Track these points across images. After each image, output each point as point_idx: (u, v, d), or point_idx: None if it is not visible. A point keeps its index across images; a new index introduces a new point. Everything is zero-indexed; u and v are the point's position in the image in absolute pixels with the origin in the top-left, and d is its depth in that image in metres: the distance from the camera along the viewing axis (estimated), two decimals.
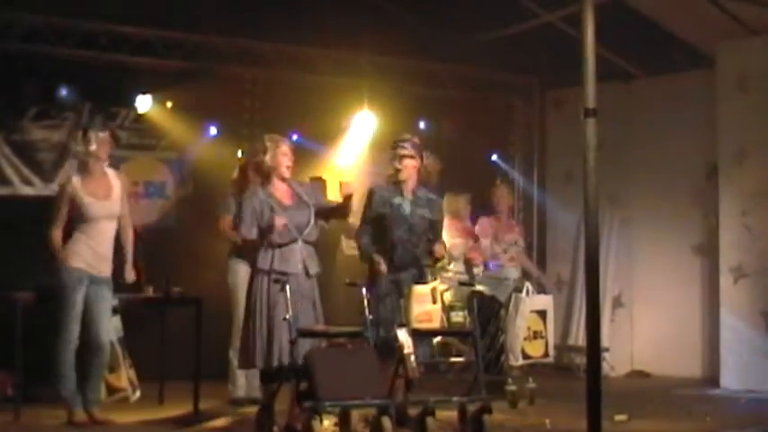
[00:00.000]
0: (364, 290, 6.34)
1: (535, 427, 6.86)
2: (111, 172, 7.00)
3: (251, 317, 6.27)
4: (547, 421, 6.95)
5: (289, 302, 6.02)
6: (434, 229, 6.83)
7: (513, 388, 7.80)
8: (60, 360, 6.69)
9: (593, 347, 5.01)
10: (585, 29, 5.03)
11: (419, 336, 6.31)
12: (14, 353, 6.90)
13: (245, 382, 7.81)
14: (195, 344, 7.43)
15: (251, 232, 6.28)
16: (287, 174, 6.42)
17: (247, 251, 7.67)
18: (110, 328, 7.06)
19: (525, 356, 8.01)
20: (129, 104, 9.32)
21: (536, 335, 8.10)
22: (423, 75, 10.70)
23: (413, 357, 6.07)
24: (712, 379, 9.58)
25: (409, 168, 6.74)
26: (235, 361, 7.78)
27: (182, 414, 7.25)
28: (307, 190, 6.55)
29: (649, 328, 10.49)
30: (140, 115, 9.39)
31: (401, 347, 6.09)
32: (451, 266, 8.67)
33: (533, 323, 8.11)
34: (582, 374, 9.27)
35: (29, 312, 6.94)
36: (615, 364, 10.39)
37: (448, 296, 6.93)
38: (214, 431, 6.77)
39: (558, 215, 9.80)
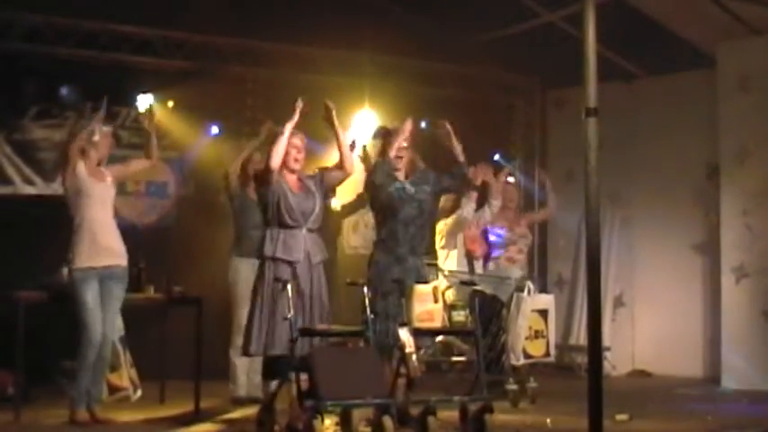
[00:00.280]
0: (365, 288, 6.36)
1: (536, 426, 6.85)
2: (105, 169, 7.03)
3: (255, 305, 6.32)
4: (548, 421, 6.95)
5: (290, 301, 6.02)
6: (444, 184, 6.96)
7: (514, 387, 7.80)
8: (82, 360, 6.70)
9: (595, 347, 5.00)
10: (587, 28, 5.02)
11: (420, 335, 6.33)
12: (15, 352, 6.91)
13: (245, 381, 7.82)
14: (196, 343, 7.43)
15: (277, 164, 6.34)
16: (295, 166, 6.47)
17: (248, 242, 7.70)
18: (116, 326, 7.07)
19: (527, 356, 8.00)
20: (130, 104, 9.33)
21: (537, 334, 8.10)
22: (424, 74, 10.71)
23: (414, 357, 6.08)
24: (713, 378, 9.59)
25: (407, 157, 6.90)
26: (235, 360, 7.81)
27: (183, 413, 7.25)
28: (315, 180, 6.58)
29: (651, 327, 10.50)
30: (141, 114, 9.40)
31: (402, 347, 6.09)
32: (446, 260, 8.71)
33: (535, 322, 8.10)
34: (583, 374, 9.29)
35: (30, 312, 6.94)
36: (616, 363, 10.40)
37: (449, 295, 6.94)
38: (215, 431, 6.76)
39: (559, 215, 9.80)
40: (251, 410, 6.91)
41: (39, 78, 9.08)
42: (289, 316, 6.00)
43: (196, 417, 7.13)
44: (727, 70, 9.54)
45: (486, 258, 8.93)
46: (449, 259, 8.96)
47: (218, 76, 9.69)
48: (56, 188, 8.72)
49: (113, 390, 7.60)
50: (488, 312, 7.89)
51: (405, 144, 6.87)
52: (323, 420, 5.76)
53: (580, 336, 10.52)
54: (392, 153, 6.79)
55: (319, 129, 6.73)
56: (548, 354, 8.22)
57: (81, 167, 6.82)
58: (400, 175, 6.86)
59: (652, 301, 10.51)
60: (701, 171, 10.18)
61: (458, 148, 6.94)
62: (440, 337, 8.33)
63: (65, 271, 6.83)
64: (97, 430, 6.67)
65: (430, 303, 6.36)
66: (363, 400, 5.87)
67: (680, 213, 10.29)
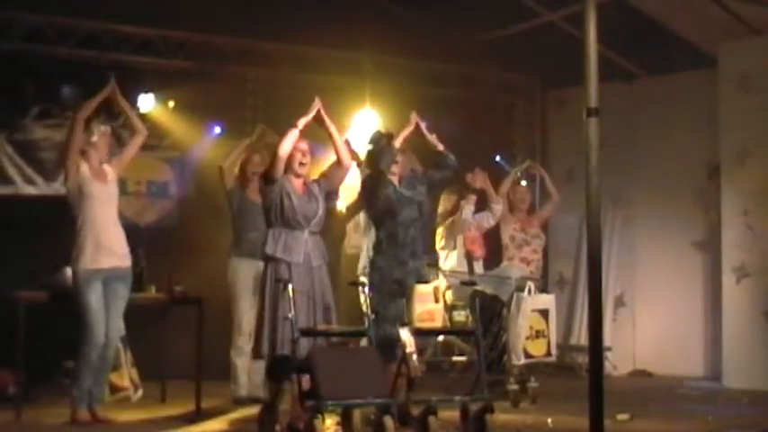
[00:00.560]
0: (367, 289, 6.37)
1: (537, 426, 6.85)
2: (106, 166, 7.03)
3: (261, 307, 6.33)
4: (549, 420, 6.95)
5: (291, 301, 6.02)
6: (435, 177, 7.02)
7: (515, 387, 7.80)
8: (83, 361, 6.70)
9: (596, 347, 5.00)
10: (587, 28, 5.02)
11: (422, 335, 6.34)
12: (16, 352, 6.91)
13: (247, 381, 7.82)
14: (197, 343, 7.44)
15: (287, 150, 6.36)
16: (301, 170, 6.48)
17: (246, 244, 7.71)
18: (120, 326, 7.08)
19: (527, 356, 8.00)
20: (131, 104, 9.31)
21: (538, 334, 8.10)
22: (424, 74, 10.70)
23: (415, 356, 6.08)
24: (714, 378, 9.59)
25: (402, 162, 6.99)
26: (236, 360, 7.81)
27: (184, 413, 7.25)
28: (318, 185, 6.58)
29: (651, 327, 10.50)
30: (142, 115, 9.39)
31: (403, 347, 6.10)
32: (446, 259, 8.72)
33: (535, 322, 8.10)
34: (584, 374, 9.29)
35: (31, 312, 6.94)
36: (617, 363, 10.39)
37: (448, 296, 6.94)
38: (216, 430, 6.76)
39: (560, 214, 9.81)
40: (252, 410, 6.91)
41: (39, 78, 9.08)
42: (290, 315, 6.00)
43: (197, 416, 7.14)
44: (728, 70, 9.54)
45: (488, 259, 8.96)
46: (448, 259, 8.98)
47: (219, 76, 9.69)
48: (57, 188, 8.72)
49: (114, 390, 7.61)
50: (489, 312, 7.90)
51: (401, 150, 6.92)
52: (324, 420, 5.76)
53: (581, 336, 10.52)
54: (396, 144, 6.83)
55: (317, 131, 6.72)
56: (548, 353, 8.21)
57: (83, 168, 6.83)
58: (395, 180, 6.91)
59: (653, 301, 10.50)
60: (702, 171, 10.18)
61: (432, 138, 7.01)
62: (441, 337, 8.34)
63: (68, 271, 6.83)
64: (98, 430, 6.68)
65: (431, 303, 6.37)
66: (364, 400, 5.87)
67: (680, 213, 10.29)
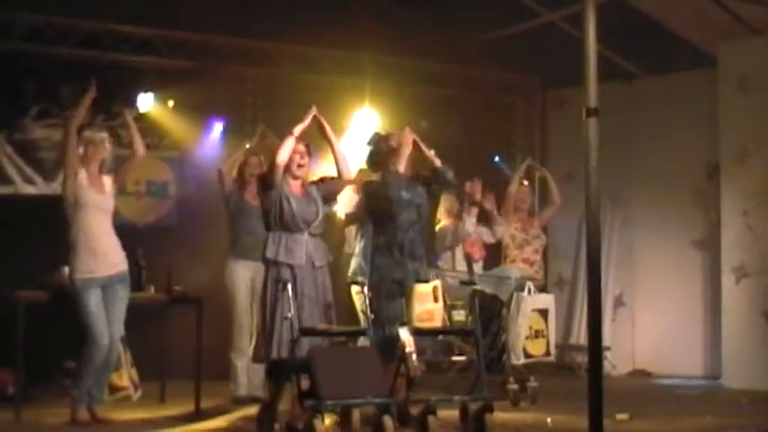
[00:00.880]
0: (366, 288, 6.37)
1: (536, 425, 6.86)
2: (105, 177, 6.98)
3: (263, 312, 6.33)
4: (548, 420, 6.95)
5: (291, 301, 6.02)
6: (436, 190, 7.07)
7: (514, 387, 7.81)
8: (87, 362, 6.71)
9: (595, 346, 5.00)
10: (587, 28, 5.02)
11: (421, 335, 6.34)
12: (15, 352, 6.91)
13: (246, 381, 7.82)
14: (196, 343, 7.43)
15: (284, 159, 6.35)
16: (299, 172, 6.46)
17: (244, 246, 7.70)
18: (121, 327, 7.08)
19: (527, 355, 8.01)
20: (131, 104, 9.33)
21: (537, 334, 8.10)
22: (424, 74, 10.70)
23: (414, 356, 6.08)
24: (714, 378, 9.59)
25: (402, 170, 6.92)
26: (235, 361, 7.81)
27: (183, 413, 7.26)
28: (317, 188, 6.58)
29: (651, 327, 10.49)
30: (142, 114, 9.39)
31: (403, 346, 6.10)
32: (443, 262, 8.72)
33: (535, 322, 8.11)
34: (583, 373, 9.29)
35: (30, 311, 6.94)
36: (617, 363, 10.40)
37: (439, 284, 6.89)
38: (215, 430, 6.77)
39: (559, 215, 9.80)
40: (251, 410, 6.91)
41: (39, 78, 9.08)
42: (289, 315, 6.00)
43: (197, 416, 7.14)
44: (728, 70, 9.54)
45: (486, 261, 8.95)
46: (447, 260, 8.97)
47: (219, 75, 9.69)
48: (56, 188, 8.72)
49: (114, 389, 7.63)
50: (488, 312, 7.90)
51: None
52: (323, 420, 5.76)
53: (580, 335, 10.52)
54: (400, 167, 6.79)
55: (313, 135, 6.72)
56: (548, 353, 8.22)
57: (81, 176, 6.80)
58: (395, 181, 6.88)
59: (652, 301, 10.50)
60: (702, 171, 10.17)
61: (430, 154, 6.94)
62: (440, 337, 8.33)
63: (65, 270, 6.83)
64: (98, 430, 6.68)
65: (430, 303, 6.38)
66: (363, 400, 5.87)
67: (680, 213, 10.28)
